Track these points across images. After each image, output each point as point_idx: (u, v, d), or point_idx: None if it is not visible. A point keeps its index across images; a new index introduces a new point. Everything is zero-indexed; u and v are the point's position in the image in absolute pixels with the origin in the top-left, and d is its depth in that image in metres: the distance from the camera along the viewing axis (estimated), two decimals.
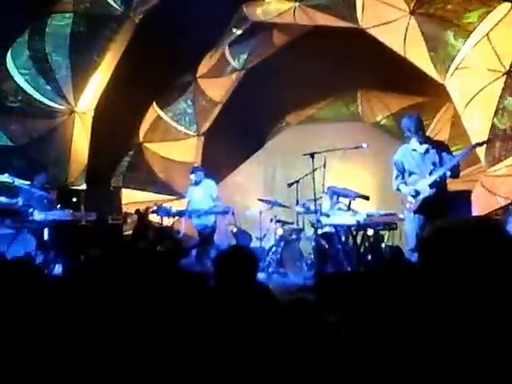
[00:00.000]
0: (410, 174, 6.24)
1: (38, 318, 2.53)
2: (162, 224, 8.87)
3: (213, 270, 3.27)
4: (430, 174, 5.95)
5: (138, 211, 7.50)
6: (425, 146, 6.08)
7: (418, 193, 6.01)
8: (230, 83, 10.90)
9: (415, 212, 6.06)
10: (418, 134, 6.08)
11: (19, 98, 8.90)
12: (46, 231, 7.65)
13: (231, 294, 2.97)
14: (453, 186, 7.02)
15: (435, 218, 5.73)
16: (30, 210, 7.53)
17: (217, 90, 10.91)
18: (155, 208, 8.88)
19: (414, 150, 6.15)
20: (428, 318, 1.98)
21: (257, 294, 3.03)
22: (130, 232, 9.13)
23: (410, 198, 6.09)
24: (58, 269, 7.23)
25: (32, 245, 7.43)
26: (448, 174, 5.95)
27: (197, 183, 8.99)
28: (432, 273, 2.17)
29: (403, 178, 6.31)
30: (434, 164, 6.00)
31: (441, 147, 6.15)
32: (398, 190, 6.33)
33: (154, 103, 10.74)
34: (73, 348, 2.32)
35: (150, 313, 2.49)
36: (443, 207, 5.88)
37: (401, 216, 6.81)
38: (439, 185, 5.98)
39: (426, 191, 5.96)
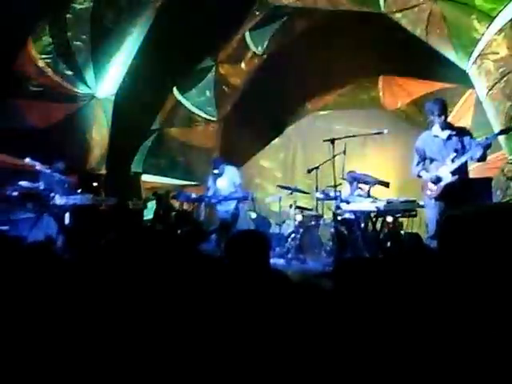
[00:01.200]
0: (432, 160, 6.19)
1: (57, 300, 2.55)
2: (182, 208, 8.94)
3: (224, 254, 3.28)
4: (453, 160, 5.89)
5: (156, 194, 7.52)
6: (447, 132, 6.02)
7: (439, 179, 5.96)
8: (250, 69, 10.85)
9: (436, 199, 6.02)
10: (440, 119, 6.02)
11: (41, 82, 8.94)
12: (67, 215, 7.71)
13: (243, 277, 2.97)
14: (474, 173, 6.96)
15: (456, 205, 5.73)
16: (52, 194, 7.59)
17: (237, 75, 10.87)
18: (175, 193, 8.93)
19: (436, 136, 6.09)
20: (446, 303, 1.97)
21: (270, 277, 3.03)
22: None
23: (431, 185, 6.05)
24: (77, 253, 7.30)
25: (53, 228, 7.51)
26: (475, 157, 5.87)
27: (220, 175, 9.02)
28: (450, 259, 2.15)
29: (424, 164, 6.26)
30: (456, 151, 5.94)
31: (463, 133, 6.08)
32: (419, 176, 6.29)
33: (175, 88, 10.73)
34: (91, 329, 2.34)
35: (166, 295, 2.50)
36: (464, 194, 5.83)
37: (420, 203, 6.76)
38: (461, 172, 5.93)
39: (448, 178, 5.90)
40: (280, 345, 2.13)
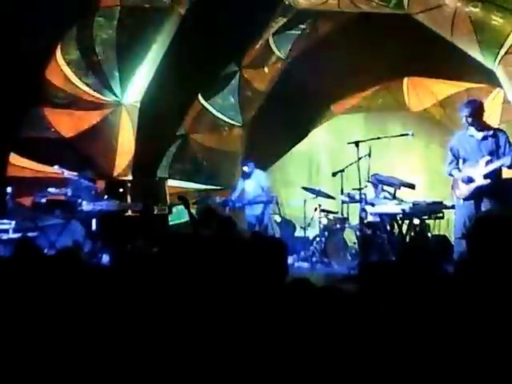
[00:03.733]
0: (464, 160, 6.11)
1: (84, 307, 2.58)
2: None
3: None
4: (486, 163, 5.80)
5: (181, 197, 7.54)
6: (482, 133, 5.94)
7: (470, 180, 5.88)
8: (274, 73, 10.86)
9: (465, 199, 5.95)
10: (475, 120, 5.95)
11: (68, 91, 9.07)
12: (93, 221, 7.80)
13: (260, 283, 2.97)
14: (506, 173, 6.86)
15: (486, 208, 5.67)
16: (79, 200, 7.69)
17: (261, 79, 10.88)
18: (199, 199, 8.99)
19: (471, 136, 6.02)
20: (474, 309, 1.95)
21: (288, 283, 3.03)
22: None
23: (462, 185, 5.97)
24: (105, 258, 7.38)
25: (81, 234, 7.61)
26: (506, 164, 5.79)
27: (248, 175, 9.12)
28: (480, 263, 2.13)
29: (457, 163, 6.19)
30: (491, 153, 5.83)
31: (500, 135, 5.97)
32: (451, 175, 6.21)
33: (199, 94, 10.79)
34: (120, 335, 2.36)
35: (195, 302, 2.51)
36: (496, 197, 5.77)
37: (448, 204, 6.70)
38: (494, 175, 5.84)
39: (480, 181, 5.82)
40: (299, 349, 2.13)
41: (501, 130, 6.19)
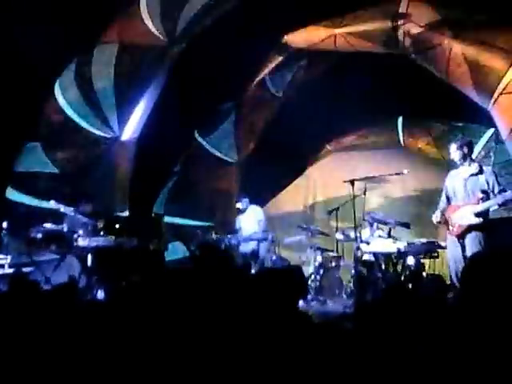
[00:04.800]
0: (448, 198, 6.24)
1: (81, 343, 2.57)
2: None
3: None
4: (478, 202, 5.88)
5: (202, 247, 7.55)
6: (470, 171, 6.04)
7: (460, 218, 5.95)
8: (270, 110, 10.96)
9: (458, 237, 6.01)
10: (463, 159, 6.06)
11: (66, 126, 9.12)
12: (89, 257, 7.77)
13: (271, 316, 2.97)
14: (497, 213, 6.88)
15: (478, 246, 5.71)
16: (75, 236, 7.67)
17: (257, 117, 10.98)
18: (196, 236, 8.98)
19: (460, 174, 6.13)
20: (467, 350, 1.95)
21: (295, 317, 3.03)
22: None
23: (454, 223, 6.03)
24: (100, 294, 7.33)
25: (76, 270, 7.56)
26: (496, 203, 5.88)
27: (243, 211, 9.12)
28: (473, 302, 2.14)
29: (447, 201, 6.30)
30: (483, 192, 5.93)
31: (487, 173, 6.07)
32: (437, 213, 6.32)
33: (196, 131, 10.87)
34: (115, 371, 2.35)
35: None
36: (487, 236, 5.82)
37: (442, 244, 6.73)
38: (485, 215, 5.91)
39: (472, 219, 5.88)
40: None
41: (488, 169, 6.29)
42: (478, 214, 5.86)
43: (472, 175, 6.07)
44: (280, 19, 8.98)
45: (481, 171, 6.08)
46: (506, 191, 5.84)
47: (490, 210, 5.99)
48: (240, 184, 11.29)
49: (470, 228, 5.90)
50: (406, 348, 2.33)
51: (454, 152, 6.19)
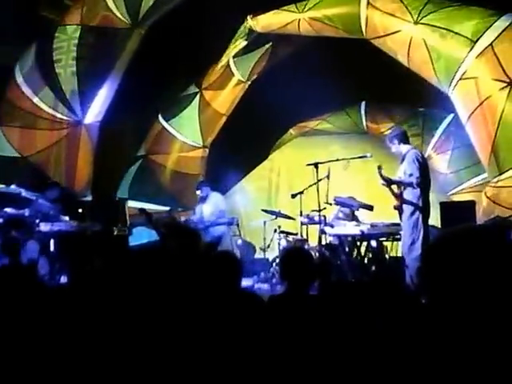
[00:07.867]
0: None
1: (40, 325, 2.54)
2: None
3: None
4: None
5: (142, 210, 7.48)
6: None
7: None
8: (234, 95, 10.94)
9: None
10: (396, 146, 6.38)
11: (27, 108, 8.96)
12: (51, 242, 7.67)
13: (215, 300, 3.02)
14: (458, 196, 7.02)
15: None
16: (37, 220, 7.56)
17: (222, 101, 10.95)
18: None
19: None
20: (432, 329, 1.99)
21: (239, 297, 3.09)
22: None
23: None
24: (63, 279, 7.26)
25: (37, 255, 7.45)
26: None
27: (203, 198, 9.02)
28: (436, 283, 2.17)
29: None
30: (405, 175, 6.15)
31: (405, 158, 6.29)
32: None
33: (160, 115, 10.78)
34: (75, 356, 2.34)
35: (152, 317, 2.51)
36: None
37: None
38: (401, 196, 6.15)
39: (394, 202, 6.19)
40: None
41: (408, 157, 6.39)
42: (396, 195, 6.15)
43: (400, 163, 6.29)
44: (243, 2, 8.97)
45: (403, 160, 6.27)
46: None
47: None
48: (206, 168, 11.27)
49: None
50: (366, 325, 2.37)
51: (389, 146, 6.46)
